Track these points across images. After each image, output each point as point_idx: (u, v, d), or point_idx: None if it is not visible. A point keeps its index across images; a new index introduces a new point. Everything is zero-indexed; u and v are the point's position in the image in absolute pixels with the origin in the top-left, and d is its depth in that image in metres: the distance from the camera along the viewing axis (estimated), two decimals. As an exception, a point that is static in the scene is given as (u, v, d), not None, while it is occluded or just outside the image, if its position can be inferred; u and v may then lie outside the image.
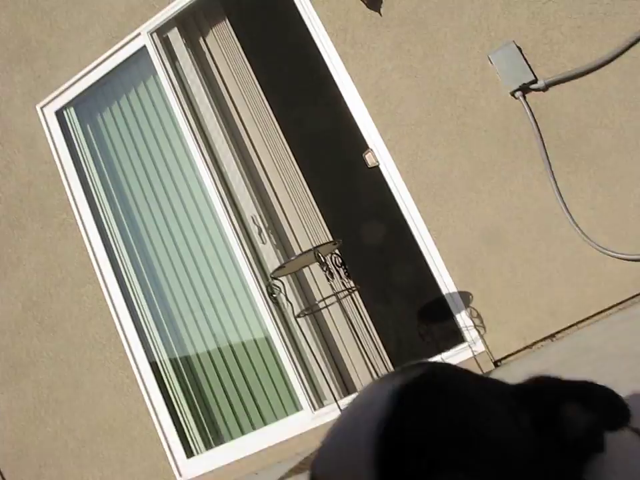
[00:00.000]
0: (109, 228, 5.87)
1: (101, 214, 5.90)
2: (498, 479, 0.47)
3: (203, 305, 5.58)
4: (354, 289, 3.87)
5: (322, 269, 3.69)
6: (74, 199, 5.87)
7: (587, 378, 2.55)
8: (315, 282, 5.31)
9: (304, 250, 4.66)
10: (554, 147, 4.44)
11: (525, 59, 4.54)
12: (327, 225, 5.24)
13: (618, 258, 4.33)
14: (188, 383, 5.63)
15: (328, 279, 3.73)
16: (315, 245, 3.97)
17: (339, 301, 3.77)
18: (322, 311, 5.19)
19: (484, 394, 0.53)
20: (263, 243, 5.28)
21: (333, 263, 3.86)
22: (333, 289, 3.74)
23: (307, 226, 5.34)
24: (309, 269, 5.21)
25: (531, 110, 4.45)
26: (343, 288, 3.95)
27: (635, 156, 4.31)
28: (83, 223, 5.82)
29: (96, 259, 5.74)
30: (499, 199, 4.55)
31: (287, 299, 3.99)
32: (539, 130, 4.44)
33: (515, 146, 4.51)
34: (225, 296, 5.52)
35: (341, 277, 3.90)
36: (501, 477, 0.47)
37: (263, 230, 5.28)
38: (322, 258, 3.67)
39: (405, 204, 4.78)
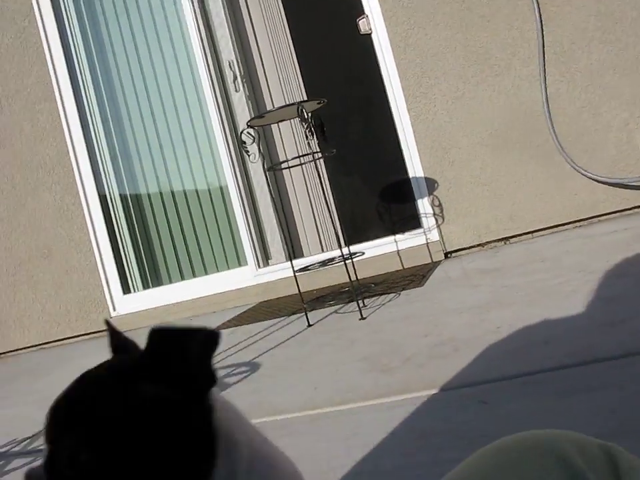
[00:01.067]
0: (75, 45, 5.50)
1: (67, 28, 5.50)
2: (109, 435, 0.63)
3: (163, 145, 5.41)
4: (332, 151, 3.79)
5: (302, 125, 3.58)
6: (38, 6, 5.45)
7: (545, 285, 2.62)
8: (282, 141, 5.20)
9: (277, 105, 4.52)
10: (553, 54, 4.35)
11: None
12: (305, 85, 5.08)
13: (588, 177, 4.38)
14: (135, 220, 5.53)
15: (307, 136, 3.62)
16: (290, 102, 3.84)
17: (315, 161, 3.69)
18: (283, 171, 5.11)
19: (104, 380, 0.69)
20: (236, 91, 5.09)
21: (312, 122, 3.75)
22: (310, 148, 3.64)
23: (284, 82, 5.16)
24: (278, 127, 5.08)
25: (539, 8, 4.30)
26: (317, 150, 3.87)
27: (634, 79, 4.27)
28: (45, 33, 5.43)
29: (56, 75, 5.41)
30: (486, 94, 4.48)
31: (260, 150, 3.88)
32: (542, 31, 4.32)
33: (514, 42, 4.40)
34: (187, 139, 5.35)
35: (318, 139, 3.80)
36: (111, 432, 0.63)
37: (238, 78, 5.07)
38: (305, 113, 3.55)
39: (390, 79, 4.65)
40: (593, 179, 4.37)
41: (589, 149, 4.38)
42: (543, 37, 4.33)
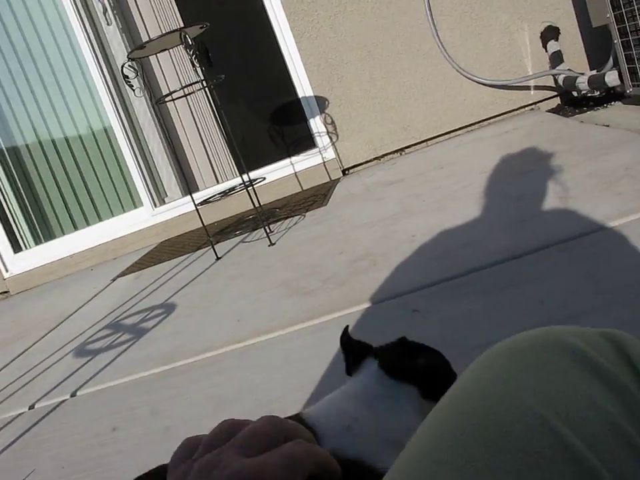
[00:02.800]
0: None
1: None
2: None
3: (35, 91, 5.04)
4: (221, 77, 3.63)
5: (187, 52, 3.40)
6: None
7: (451, 190, 2.64)
8: (163, 73, 4.97)
9: (153, 36, 4.28)
10: (433, -42, 4.31)
11: None
12: (181, 13, 4.83)
13: (474, 81, 4.43)
14: (16, 175, 5.18)
15: (193, 64, 3.45)
16: (170, 29, 3.63)
17: (204, 89, 3.52)
18: (169, 105, 4.90)
19: None
20: (108, 24, 4.78)
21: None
22: (198, 76, 3.47)
23: (158, 11, 4.88)
24: (157, 58, 4.85)
25: None
26: (202, 78, 3.70)
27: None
28: None
29: None
30: (368, 5, 4.40)
31: (145, 83, 3.67)
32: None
33: (393, -51, 4.32)
34: (61, 81, 5.00)
35: (203, 66, 3.62)
36: None
37: (109, 10, 4.75)
38: (189, 39, 3.37)
39: (271, -2, 4.50)
40: (479, 83, 4.43)
41: (473, 53, 4.41)
42: (420, -59, 4.27)
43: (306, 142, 4.78)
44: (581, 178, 2.51)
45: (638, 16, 3.20)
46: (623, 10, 3.31)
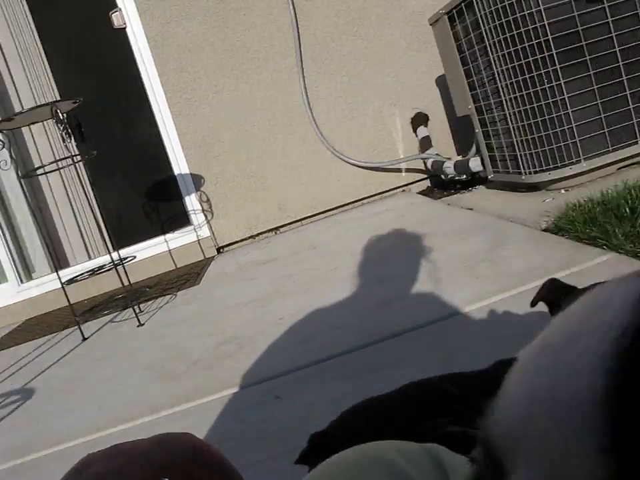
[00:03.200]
0: None
1: None
2: None
3: None
4: (93, 154, 3.55)
5: (58, 127, 3.32)
6: None
7: (322, 271, 2.66)
8: (36, 145, 4.82)
9: (27, 107, 4.17)
10: (309, 46, 4.45)
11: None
12: (57, 85, 4.73)
13: (348, 163, 4.56)
14: None
15: (63, 139, 3.37)
16: (43, 103, 3.55)
17: (75, 164, 3.44)
18: (40, 178, 4.74)
19: None
20: (-24, 92, 4.61)
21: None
22: (68, 150, 3.38)
23: (33, 82, 4.76)
24: (30, 130, 4.71)
25: (293, 1, 4.37)
26: (75, 152, 3.61)
27: (382, 69, 4.50)
28: None
29: None
30: (247, 86, 4.48)
31: (12, 156, 3.54)
32: (297, 24, 4.40)
33: (272, 35, 4.43)
34: None
35: (76, 140, 3.55)
36: None
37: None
38: (60, 114, 3.29)
39: (149, 74, 4.49)
40: (353, 165, 4.56)
41: (347, 136, 4.55)
42: (298, 29, 4.41)
43: (181, 219, 4.73)
44: (445, 261, 2.60)
45: (494, 109, 3.41)
46: (482, 103, 3.52)
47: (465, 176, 4.10)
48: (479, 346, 1.75)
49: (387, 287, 2.54)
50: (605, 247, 2.16)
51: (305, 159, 4.57)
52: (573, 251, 2.23)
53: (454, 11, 3.53)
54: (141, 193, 4.87)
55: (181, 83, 4.46)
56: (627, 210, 2.31)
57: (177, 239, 4.67)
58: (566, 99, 3.21)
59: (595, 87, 3.24)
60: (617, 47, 3.24)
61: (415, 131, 4.56)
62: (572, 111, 3.22)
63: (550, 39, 3.15)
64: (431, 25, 3.87)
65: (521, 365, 0.31)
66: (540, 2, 3.10)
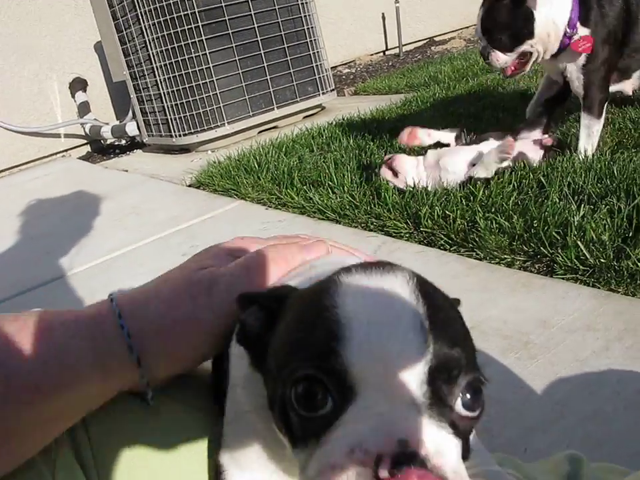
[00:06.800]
0: None
1: None
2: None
3: None
4: None
5: None
6: None
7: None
8: None
9: None
10: None
11: None
12: None
13: (4, 128, 4.41)
14: None
15: None
16: None
17: None
18: None
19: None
20: None
21: None
22: None
23: None
24: None
25: None
26: None
27: (33, 30, 4.40)
28: None
29: None
30: None
31: None
32: None
33: None
34: None
35: None
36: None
37: None
38: None
39: None
40: (9, 130, 4.43)
41: (4, 99, 4.40)
42: None
43: None
44: (97, 217, 2.73)
45: (147, 75, 3.60)
46: (135, 69, 3.68)
47: (123, 140, 4.24)
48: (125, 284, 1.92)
49: (41, 243, 2.60)
50: (235, 196, 2.49)
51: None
52: (209, 201, 2.53)
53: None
54: None
55: None
56: (256, 164, 2.66)
57: None
58: (211, 67, 3.51)
59: (237, 58, 3.60)
60: (255, 24, 3.62)
61: (73, 96, 4.56)
62: (217, 79, 3.54)
63: (196, 12, 3.42)
64: (84, -11, 3.91)
65: (346, 322, 0.42)
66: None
